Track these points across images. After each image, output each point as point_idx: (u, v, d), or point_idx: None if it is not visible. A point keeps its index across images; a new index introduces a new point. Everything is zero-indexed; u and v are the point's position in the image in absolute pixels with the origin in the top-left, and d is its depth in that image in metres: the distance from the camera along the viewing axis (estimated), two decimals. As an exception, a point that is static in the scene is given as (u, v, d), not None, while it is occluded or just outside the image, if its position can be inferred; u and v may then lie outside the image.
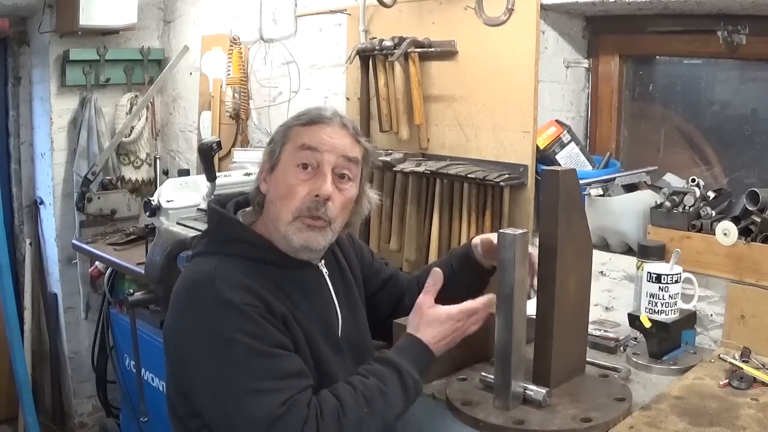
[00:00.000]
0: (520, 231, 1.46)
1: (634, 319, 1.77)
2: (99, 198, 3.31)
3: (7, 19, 3.31)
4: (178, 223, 2.46)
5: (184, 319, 1.40)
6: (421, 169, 2.29)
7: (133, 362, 2.67)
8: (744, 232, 1.79)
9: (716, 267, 1.83)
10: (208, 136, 3.25)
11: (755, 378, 1.58)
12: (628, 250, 2.07)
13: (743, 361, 1.65)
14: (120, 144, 3.48)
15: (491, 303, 1.53)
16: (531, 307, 1.55)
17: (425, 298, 1.52)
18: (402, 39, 2.36)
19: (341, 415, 1.32)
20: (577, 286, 1.59)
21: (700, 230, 1.88)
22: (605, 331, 1.93)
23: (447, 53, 2.35)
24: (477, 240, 1.76)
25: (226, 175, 2.74)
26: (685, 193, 1.95)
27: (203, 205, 2.56)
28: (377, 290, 1.77)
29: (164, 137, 3.81)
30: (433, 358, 1.49)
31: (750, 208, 1.80)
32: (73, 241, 3.30)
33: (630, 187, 2.10)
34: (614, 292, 2.08)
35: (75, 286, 3.56)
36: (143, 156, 3.58)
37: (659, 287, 1.71)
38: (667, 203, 1.96)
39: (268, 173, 1.51)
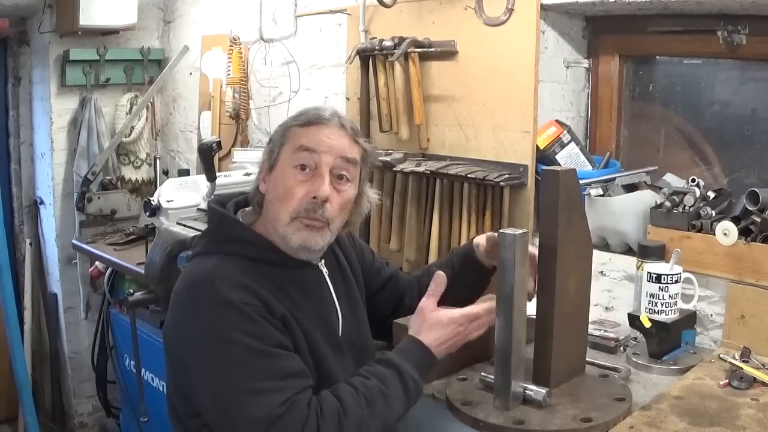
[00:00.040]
0: (520, 231, 1.46)
1: (634, 319, 1.77)
2: (99, 198, 3.30)
3: (7, 19, 3.31)
4: (178, 223, 2.46)
5: (184, 318, 1.40)
6: (421, 169, 2.29)
7: (133, 362, 2.67)
8: (744, 232, 1.79)
9: (716, 267, 1.83)
10: (208, 136, 3.25)
11: (755, 378, 1.58)
12: (628, 250, 2.07)
13: (743, 361, 1.65)
14: (120, 144, 3.48)
15: (493, 310, 1.52)
16: (531, 307, 1.55)
17: (428, 302, 1.52)
18: (402, 39, 2.36)
19: (342, 416, 1.31)
20: (577, 286, 1.59)
21: (700, 230, 1.88)
22: (605, 331, 1.93)
23: (447, 53, 2.34)
24: (478, 239, 1.76)
25: (226, 175, 2.74)
26: (685, 193, 1.95)
27: (203, 205, 2.56)
28: (378, 290, 1.77)
29: (164, 137, 3.81)
30: (434, 361, 1.49)
31: (750, 208, 1.80)
32: (73, 241, 3.30)
33: (630, 187, 2.09)
34: (614, 292, 2.08)
35: (75, 286, 3.56)
36: (143, 156, 3.58)
37: (659, 287, 1.71)
38: (667, 203, 1.95)
39: (267, 173, 1.51)
